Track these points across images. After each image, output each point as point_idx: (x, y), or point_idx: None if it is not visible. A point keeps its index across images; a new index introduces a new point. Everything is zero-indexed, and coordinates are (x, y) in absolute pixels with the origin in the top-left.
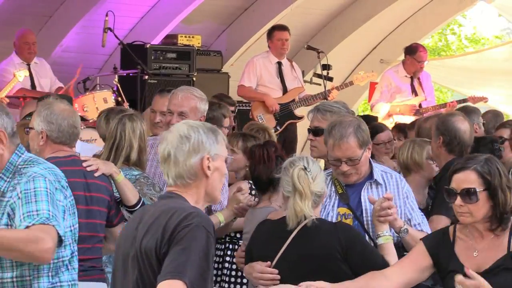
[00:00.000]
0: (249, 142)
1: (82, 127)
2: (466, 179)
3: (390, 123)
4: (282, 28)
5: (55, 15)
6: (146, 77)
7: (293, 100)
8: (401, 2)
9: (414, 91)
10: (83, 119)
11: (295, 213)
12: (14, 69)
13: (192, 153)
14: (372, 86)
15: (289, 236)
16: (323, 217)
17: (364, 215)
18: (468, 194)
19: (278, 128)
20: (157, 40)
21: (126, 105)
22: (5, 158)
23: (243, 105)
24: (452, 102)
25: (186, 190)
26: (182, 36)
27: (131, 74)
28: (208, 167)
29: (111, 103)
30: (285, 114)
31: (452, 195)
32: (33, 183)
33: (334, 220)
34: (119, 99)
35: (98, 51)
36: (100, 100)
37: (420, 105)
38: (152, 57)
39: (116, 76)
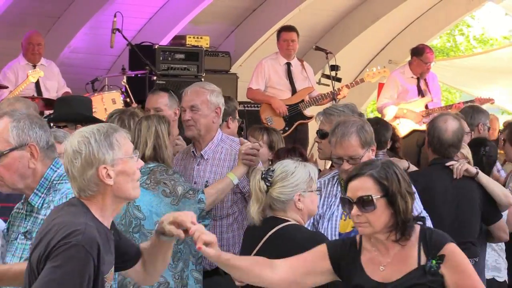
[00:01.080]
0: (273, 136)
1: None
2: (362, 186)
3: (397, 125)
4: (289, 29)
5: (63, 16)
6: (155, 77)
7: (303, 101)
8: (410, 3)
9: (420, 92)
10: None
11: (250, 212)
12: (16, 73)
13: (86, 167)
14: (381, 87)
15: (262, 239)
16: (327, 216)
17: None
18: (365, 202)
19: (287, 129)
20: (165, 41)
21: (134, 105)
22: (38, 173)
23: (252, 105)
24: (459, 103)
25: (91, 199)
26: (190, 37)
27: (139, 75)
28: (109, 174)
29: (119, 104)
30: (294, 115)
31: (347, 205)
32: (66, 200)
33: (338, 220)
34: (128, 100)
35: (106, 52)
36: (109, 101)
37: (426, 106)
38: (161, 58)
39: (125, 77)
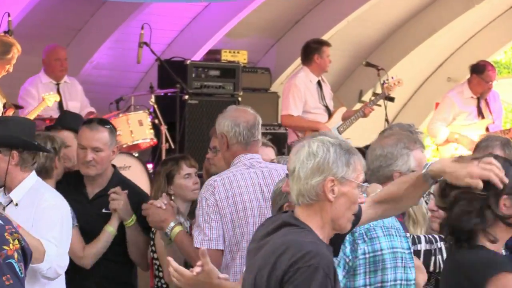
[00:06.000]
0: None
1: None
2: None
3: (455, 149)
4: (328, 43)
5: (84, 28)
6: (186, 97)
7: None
8: (470, 14)
9: (480, 113)
10: None
11: None
12: (39, 90)
13: (315, 172)
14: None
15: None
16: None
17: None
18: None
19: None
20: (198, 56)
21: (163, 128)
22: None
23: (276, 128)
24: None
25: (309, 213)
26: (226, 52)
27: (169, 94)
28: (332, 190)
29: (147, 126)
30: None
31: None
32: None
33: None
34: (156, 121)
35: (132, 68)
36: (135, 123)
37: (487, 129)
38: (193, 75)
39: (153, 96)
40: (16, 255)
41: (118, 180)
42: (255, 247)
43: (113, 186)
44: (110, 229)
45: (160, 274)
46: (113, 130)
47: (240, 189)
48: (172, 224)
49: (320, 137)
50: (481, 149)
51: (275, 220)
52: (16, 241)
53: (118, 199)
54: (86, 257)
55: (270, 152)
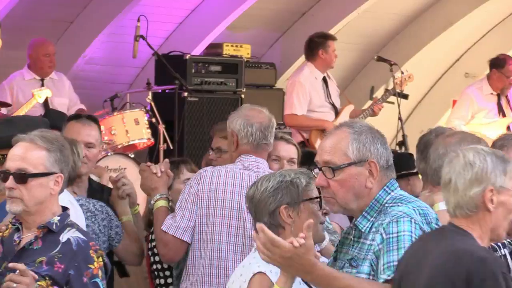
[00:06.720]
0: None
1: (108, 154)
2: None
3: None
4: (333, 37)
5: (77, 20)
6: (186, 94)
7: None
8: (489, 6)
9: (501, 111)
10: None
11: None
12: (18, 88)
13: (474, 183)
14: (455, 104)
15: None
16: None
17: None
18: None
19: None
20: (198, 50)
21: (161, 127)
22: (373, 194)
23: (282, 128)
24: None
25: (467, 223)
26: (228, 45)
27: (167, 91)
28: (491, 200)
29: (143, 125)
30: None
31: None
32: (397, 226)
33: None
34: (153, 120)
35: (128, 63)
36: (131, 122)
37: (508, 128)
38: (193, 70)
39: (150, 93)
40: (100, 273)
41: (96, 182)
42: (412, 261)
43: (96, 187)
44: (129, 218)
45: (161, 281)
46: (100, 127)
47: (225, 186)
48: (158, 195)
49: (473, 146)
50: (497, 148)
51: (433, 232)
52: (100, 258)
53: (130, 184)
54: (143, 251)
55: (291, 149)
